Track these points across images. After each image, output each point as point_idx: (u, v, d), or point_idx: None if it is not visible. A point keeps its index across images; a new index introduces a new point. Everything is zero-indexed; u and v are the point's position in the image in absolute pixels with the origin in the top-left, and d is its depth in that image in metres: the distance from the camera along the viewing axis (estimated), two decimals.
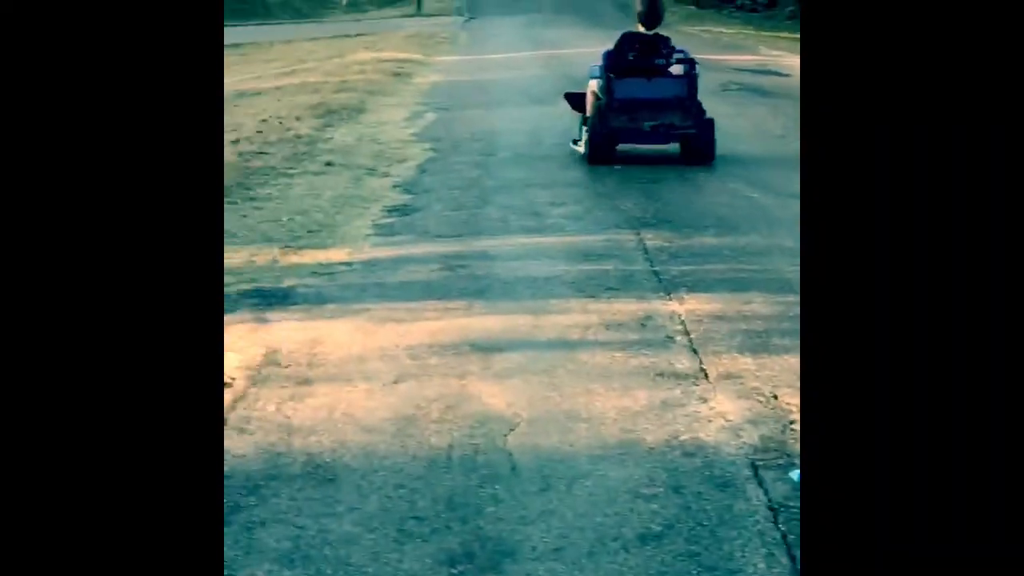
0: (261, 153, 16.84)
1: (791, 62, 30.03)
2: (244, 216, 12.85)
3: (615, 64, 14.80)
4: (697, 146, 14.85)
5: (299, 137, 18.26)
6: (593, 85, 14.86)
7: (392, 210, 13.12)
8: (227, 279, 9.78)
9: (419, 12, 44.94)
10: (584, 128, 15.00)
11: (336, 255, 11.26)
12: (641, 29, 15.08)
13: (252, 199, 13.78)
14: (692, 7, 41.35)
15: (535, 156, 16.03)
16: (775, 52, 33.02)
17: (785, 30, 40.48)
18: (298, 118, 20.41)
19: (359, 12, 42.97)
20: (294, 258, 11.14)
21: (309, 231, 12.28)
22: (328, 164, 15.84)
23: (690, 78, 14.87)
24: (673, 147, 15.20)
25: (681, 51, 15.19)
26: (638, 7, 15.20)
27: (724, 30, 38.56)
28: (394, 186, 14.41)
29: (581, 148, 15.16)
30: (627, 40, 14.95)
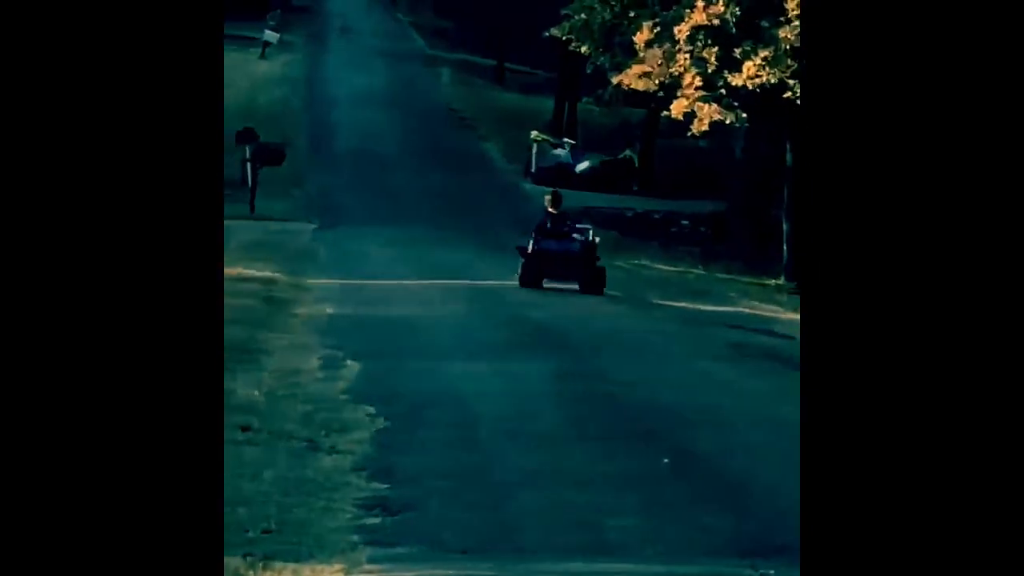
0: None
1: (783, 316, 26.51)
2: None
3: (539, 230, 27.20)
4: (592, 286, 26.67)
5: None
6: (530, 244, 27.78)
7: (370, 505, 10.29)
8: None
9: (253, 214, 39.10)
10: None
11: (329, 573, 8.31)
12: (551, 209, 27.73)
13: None
14: (614, 232, 38.21)
15: (537, 435, 13.10)
16: (754, 302, 29.73)
17: (736, 272, 36.46)
18: None
19: None
20: (268, 574, 8.19)
21: (265, 531, 9.45)
22: (246, 429, 12.65)
23: (586, 241, 27.05)
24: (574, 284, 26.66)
25: (583, 226, 28.28)
26: (547, 198, 28.60)
27: (664, 267, 35.66)
28: (355, 469, 11.40)
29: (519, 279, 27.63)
30: (546, 216, 27.62)
